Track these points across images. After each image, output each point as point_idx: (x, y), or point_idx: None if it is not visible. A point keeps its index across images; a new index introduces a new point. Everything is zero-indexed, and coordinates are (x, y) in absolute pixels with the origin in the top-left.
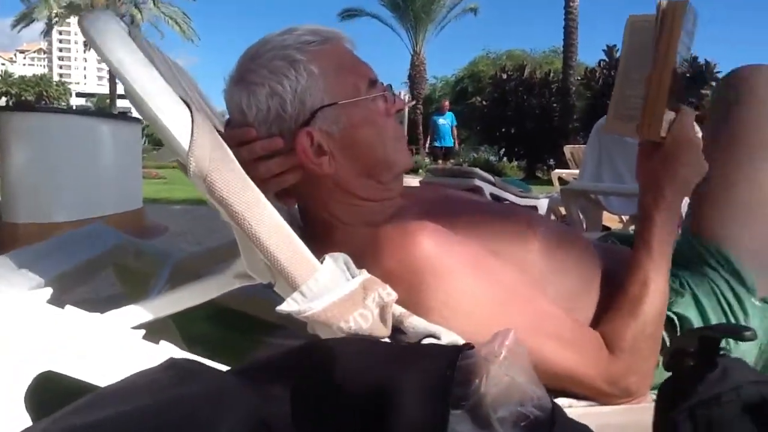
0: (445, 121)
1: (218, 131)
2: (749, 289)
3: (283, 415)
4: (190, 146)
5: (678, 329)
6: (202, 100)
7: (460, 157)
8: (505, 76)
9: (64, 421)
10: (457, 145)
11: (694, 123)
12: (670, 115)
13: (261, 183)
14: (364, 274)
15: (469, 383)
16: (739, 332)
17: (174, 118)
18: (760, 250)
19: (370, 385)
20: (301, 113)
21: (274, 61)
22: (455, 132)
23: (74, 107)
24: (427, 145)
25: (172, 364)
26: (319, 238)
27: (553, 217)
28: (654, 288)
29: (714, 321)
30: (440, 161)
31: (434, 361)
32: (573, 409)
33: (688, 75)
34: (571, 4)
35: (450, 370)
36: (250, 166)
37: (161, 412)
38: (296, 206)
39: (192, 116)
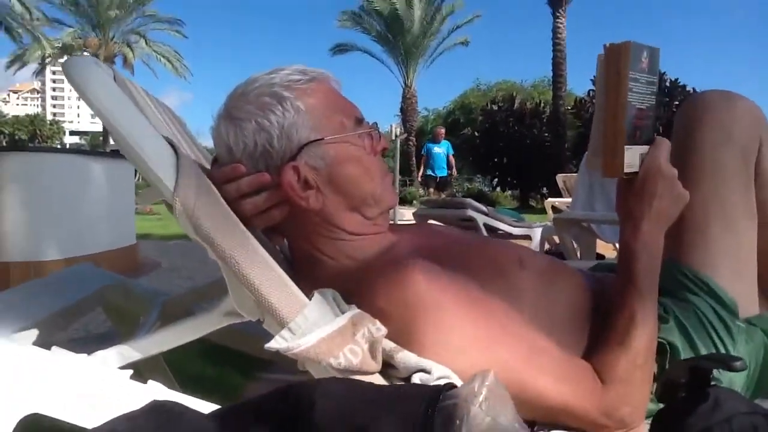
0: (441, 150)
1: (204, 169)
2: (731, 312)
3: None
4: (175, 187)
5: (668, 354)
6: (189, 139)
7: (452, 188)
8: (495, 107)
9: None
10: (455, 173)
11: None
12: (642, 149)
13: (248, 220)
14: (353, 309)
15: (450, 425)
16: (728, 362)
17: (158, 159)
18: (737, 272)
19: (350, 429)
20: (287, 148)
21: (262, 98)
22: (452, 161)
23: (68, 146)
24: (420, 175)
25: (153, 407)
26: (307, 274)
27: (547, 246)
28: (641, 319)
29: (700, 345)
30: (432, 191)
31: (414, 403)
32: None
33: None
34: (558, 35)
35: (430, 412)
36: (236, 203)
37: None
38: (285, 242)
39: (177, 156)
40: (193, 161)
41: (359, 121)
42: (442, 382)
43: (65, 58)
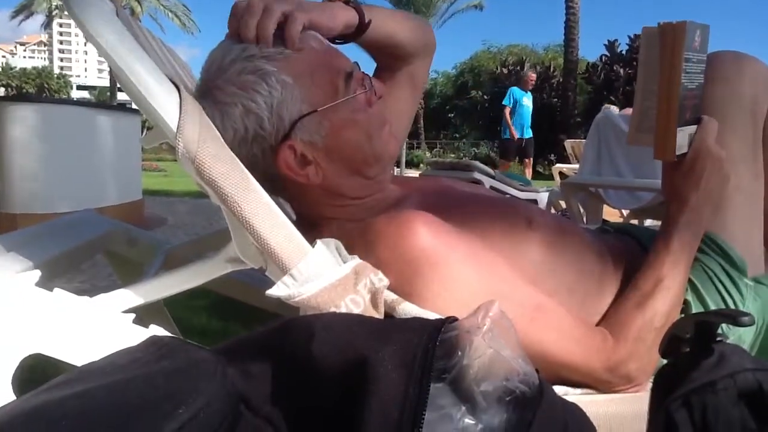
0: (529, 102)
1: None
2: (740, 270)
3: (262, 392)
4: (178, 126)
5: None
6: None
7: (460, 152)
8: (505, 71)
9: (35, 399)
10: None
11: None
12: (690, 129)
13: None
14: (355, 260)
15: (452, 356)
16: (736, 317)
17: (162, 97)
18: (745, 230)
19: (348, 360)
20: (280, 127)
21: (243, 76)
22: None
23: (75, 100)
24: (512, 134)
25: (153, 341)
26: (311, 228)
27: (553, 211)
28: (668, 286)
29: (711, 303)
30: (515, 161)
31: (415, 335)
32: (568, 397)
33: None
34: None
35: (431, 343)
36: None
37: (133, 387)
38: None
39: (180, 96)
40: (196, 102)
41: (349, 75)
42: None
43: None
